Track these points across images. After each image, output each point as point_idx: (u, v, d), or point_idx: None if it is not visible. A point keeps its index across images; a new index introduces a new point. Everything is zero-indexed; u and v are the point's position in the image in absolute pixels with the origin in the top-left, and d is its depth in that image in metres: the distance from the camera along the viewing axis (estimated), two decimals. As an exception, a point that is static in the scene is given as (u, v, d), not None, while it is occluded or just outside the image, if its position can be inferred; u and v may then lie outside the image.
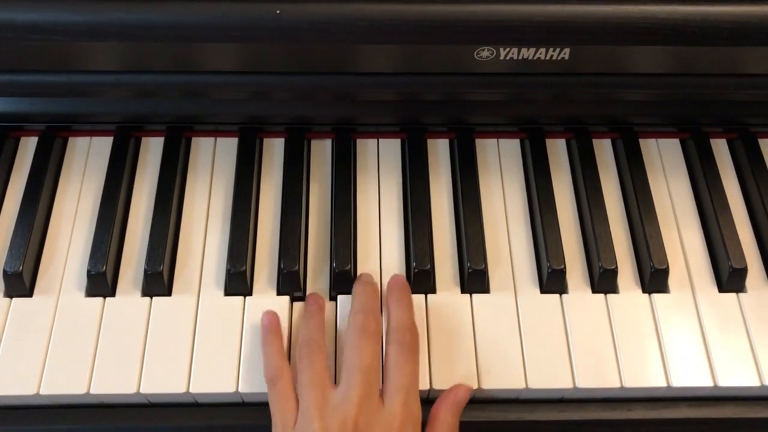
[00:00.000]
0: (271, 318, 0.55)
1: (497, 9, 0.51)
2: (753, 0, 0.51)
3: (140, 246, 0.60)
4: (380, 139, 0.66)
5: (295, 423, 0.50)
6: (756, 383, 0.55)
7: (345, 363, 0.52)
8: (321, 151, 0.66)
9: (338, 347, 0.55)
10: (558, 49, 0.54)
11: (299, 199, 0.61)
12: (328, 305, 0.57)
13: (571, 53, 0.54)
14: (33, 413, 0.55)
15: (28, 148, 0.65)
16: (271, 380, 0.53)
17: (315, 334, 0.54)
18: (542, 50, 0.54)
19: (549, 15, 0.51)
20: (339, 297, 0.57)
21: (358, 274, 0.58)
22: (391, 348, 0.52)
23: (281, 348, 0.54)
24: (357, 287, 0.56)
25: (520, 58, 0.54)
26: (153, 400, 0.55)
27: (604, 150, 0.66)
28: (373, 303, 0.55)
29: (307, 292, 0.58)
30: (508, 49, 0.54)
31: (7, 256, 0.57)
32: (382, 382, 0.52)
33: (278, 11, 0.50)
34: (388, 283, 0.57)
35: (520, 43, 0.53)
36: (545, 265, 0.58)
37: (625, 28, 0.51)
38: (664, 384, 0.54)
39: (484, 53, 0.54)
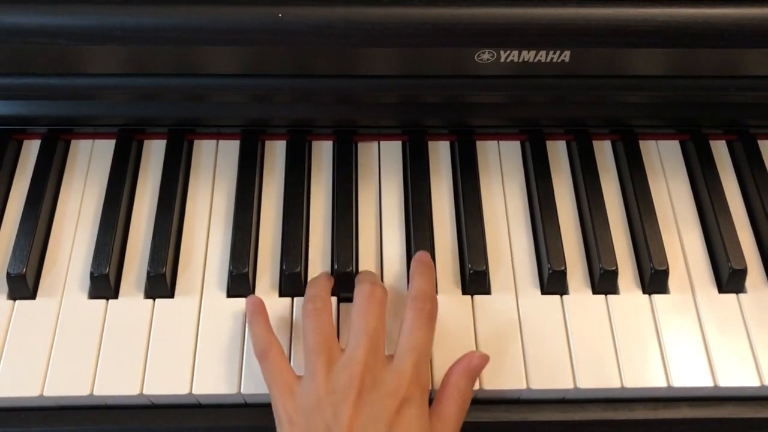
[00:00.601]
0: (254, 300, 0.56)
1: (497, 12, 0.51)
2: (753, 2, 0.51)
3: (143, 248, 0.60)
4: (381, 141, 0.66)
5: (296, 387, 0.50)
6: (756, 383, 0.55)
7: (352, 326, 0.52)
8: (322, 153, 0.66)
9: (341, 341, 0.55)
10: (558, 52, 0.54)
11: (301, 201, 0.61)
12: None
13: (571, 56, 0.55)
14: (36, 415, 0.55)
15: (31, 150, 0.65)
16: (261, 354, 0.53)
17: (322, 292, 0.55)
18: (542, 53, 0.54)
19: (549, 18, 0.51)
20: (341, 305, 0.58)
21: (361, 264, 0.60)
22: (410, 313, 0.53)
23: (267, 323, 0.54)
24: (360, 273, 0.57)
25: (520, 60, 0.55)
26: (156, 402, 0.55)
27: (604, 152, 0.66)
28: (376, 278, 0.56)
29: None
30: (508, 52, 0.54)
31: (11, 259, 0.57)
32: (396, 344, 0.52)
33: (280, 14, 0.50)
34: (413, 259, 0.57)
35: (521, 45, 0.53)
36: (546, 266, 0.58)
37: (624, 30, 0.51)
38: (664, 384, 0.55)
39: (485, 56, 0.54)
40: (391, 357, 0.51)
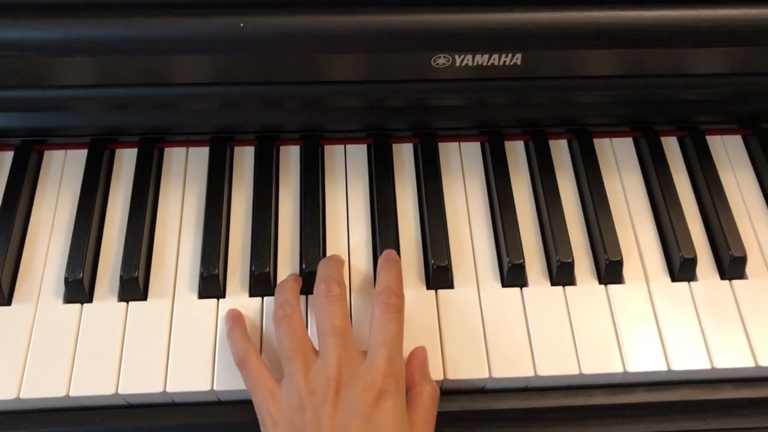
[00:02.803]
0: (232, 311, 0.58)
1: (449, 18, 0.53)
2: (689, 4, 0.54)
3: (116, 253, 0.62)
4: (347, 145, 0.69)
5: (277, 391, 0.52)
6: (707, 366, 0.57)
7: (318, 329, 0.54)
8: (290, 157, 0.68)
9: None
10: (510, 55, 0.57)
11: (269, 204, 0.63)
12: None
13: (523, 58, 0.57)
14: (14, 417, 0.56)
15: (4, 161, 0.66)
16: (241, 362, 0.55)
17: (289, 296, 0.56)
18: (495, 56, 0.56)
19: (498, 22, 0.53)
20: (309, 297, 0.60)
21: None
22: (377, 308, 0.55)
23: (245, 331, 0.56)
24: (321, 262, 0.59)
25: (474, 64, 0.57)
26: (132, 401, 0.57)
27: (560, 150, 0.69)
28: (335, 271, 0.57)
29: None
30: (462, 56, 0.56)
31: (-15, 267, 0.59)
32: (368, 340, 0.54)
33: (241, 24, 0.53)
34: (380, 256, 0.59)
35: (474, 49, 0.55)
36: (506, 260, 0.61)
37: (571, 33, 0.54)
38: (621, 370, 0.57)
39: (441, 60, 0.57)
40: (364, 353, 0.54)
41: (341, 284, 0.56)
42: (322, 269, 0.58)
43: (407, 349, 0.56)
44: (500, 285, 0.61)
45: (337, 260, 0.60)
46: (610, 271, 0.61)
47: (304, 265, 0.60)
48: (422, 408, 0.53)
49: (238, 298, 0.60)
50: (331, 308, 0.54)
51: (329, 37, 0.54)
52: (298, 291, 0.58)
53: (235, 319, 0.57)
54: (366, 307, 0.59)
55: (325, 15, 0.53)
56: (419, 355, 0.56)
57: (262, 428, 0.53)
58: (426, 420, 0.53)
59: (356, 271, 0.61)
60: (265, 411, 0.52)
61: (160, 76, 0.59)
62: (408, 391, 0.54)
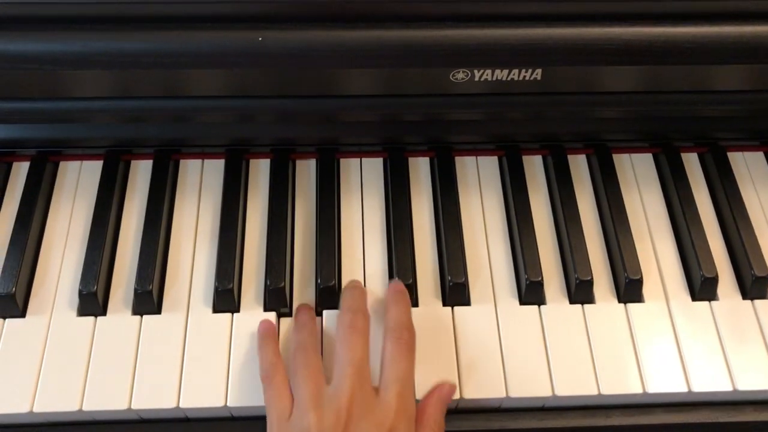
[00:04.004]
0: (266, 324, 0.57)
1: (469, 33, 0.53)
2: (711, 21, 0.53)
3: (130, 266, 0.61)
4: (363, 158, 0.68)
5: (291, 416, 0.52)
6: (729, 388, 0.56)
7: (336, 358, 0.54)
8: (306, 171, 0.68)
9: (326, 357, 0.57)
10: (530, 70, 0.56)
11: (284, 218, 0.63)
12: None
13: (543, 74, 0.57)
14: (26, 431, 0.56)
15: (20, 172, 0.67)
16: (266, 377, 0.54)
17: (308, 339, 0.56)
18: (515, 71, 0.56)
19: (519, 38, 0.53)
20: (324, 312, 0.59)
21: (344, 278, 0.61)
22: (388, 343, 0.54)
23: (276, 347, 0.56)
24: (345, 291, 0.58)
25: (494, 79, 0.57)
26: (144, 416, 0.56)
27: (579, 165, 0.68)
28: (361, 303, 0.57)
29: (294, 308, 0.60)
30: (482, 71, 0.56)
31: (0, 279, 0.59)
32: (379, 376, 0.53)
33: (260, 38, 0.52)
34: (388, 287, 0.59)
35: (493, 65, 0.55)
36: (523, 277, 0.60)
37: (591, 49, 0.53)
38: (640, 390, 0.56)
39: (460, 75, 0.56)
40: (377, 388, 0.53)
41: (366, 317, 0.56)
42: (348, 298, 0.57)
43: (423, 368, 0.56)
44: (518, 302, 0.60)
45: (362, 290, 0.59)
46: (629, 290, 0.60)
47: (319, 280, 0.60)
48: None
49: (252, 312, 0.59)
50: (354, 339, 0.54)
51: (348, 52, 0.54)
52: (316, 332, 0.58)
53: (269, 332, 0.57)
54: (377, 320, 0.58)
55: (343, 30, 0.53)
56: (443, 390, 0.55)
57: None
58: None
59: (370, 288, 0.61)
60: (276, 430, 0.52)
61: (176, 88, 0.59)
62: (416, 422, 0.53)
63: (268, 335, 0.57)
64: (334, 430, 0.49)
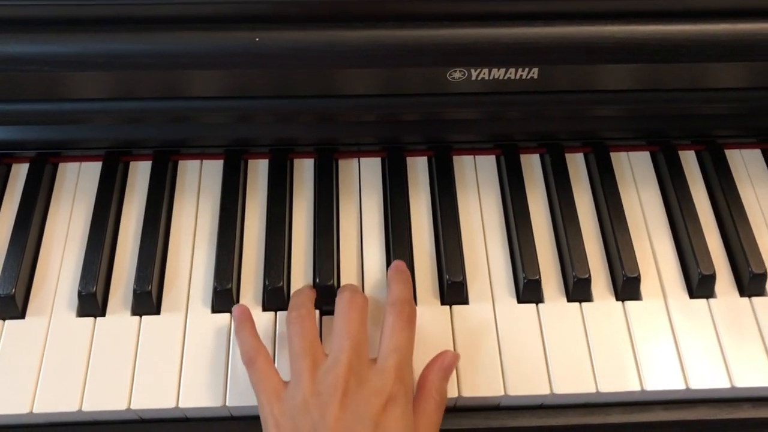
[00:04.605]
0: (241, 308, 0.57)
1: (465, 32, 0.53)
2: (706, 19, 0.54)
3: (129, 266, 0.62)
4: (361, 158, 0.68)
5: (283, 392, 0.51)
6: (727, 385, 0.57)
7: (334, 331, 0.54)
8: (304, 171, 0.68)
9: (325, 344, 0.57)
10: (527, 69, 0.56)
11: (283, 218, 0.63)
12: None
13: (539, 72, 0.57)
14: (26, 431, 0.56)
15: (19, 174, 0.67)
16: (249, 361, 0.54)
17: (305, 300, 0.56)
18: (512, 70, 0.56)
19: (515, 37, 0.53)
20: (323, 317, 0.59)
21: (342, 278, 0.61)
22: (389, 317, 0.54)
23: (254, 330, 0.56)
24: (342, 289, 0.58)
25: (491, 78, 0.57)
26: (144, 416, 0.56)
27: (577, 164, 0.68)
28: (358, 289, 0.57)
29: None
30: (479, 70, 0.56)
31: (0, 280, 0.59)
32: (378, 347, 0.53)
33: (257, 39, 0.52)
34: (390, 267, 0.59)
35: (490, 64, 0.55)
36: (521, 275, 0.60)
37: (587, 47, 0.53)
38: (638, 388, 0.56)
39: (457, 74, 0.56)
40: (374, 360, 0.53)
41: (365, 298, 0.56)
42: (347, 285, 0.58)
43: (420, 365, 0.56)
44: (516, 301, 0.60)
45: (354, 285, 0.59)
46: (627, 288, 0.60)
47: (317, 280, 0.60)
48: (426, 414, 0.52)
49: (252, 312, 0.59)
50: (352, 314, 0.54)
51: (344, 52, 0.54)
52: (313, 298, 0.58)
53: (244, 316, 0.57)
54: (376, 319, 0.58)
55: (340, 30, 0.53)
56: (445, 358, 0.55)
57: (264, 430, 0.51)
58: (429, 426, 0.52)
59: (369, 286, 0.61)
60: (268, 412, 0.51)
61: (175, 89, 0.59)
62: (417, 391, 0.53)
63: (243, 319, 0.57)
64: (331, 401, 0.49)
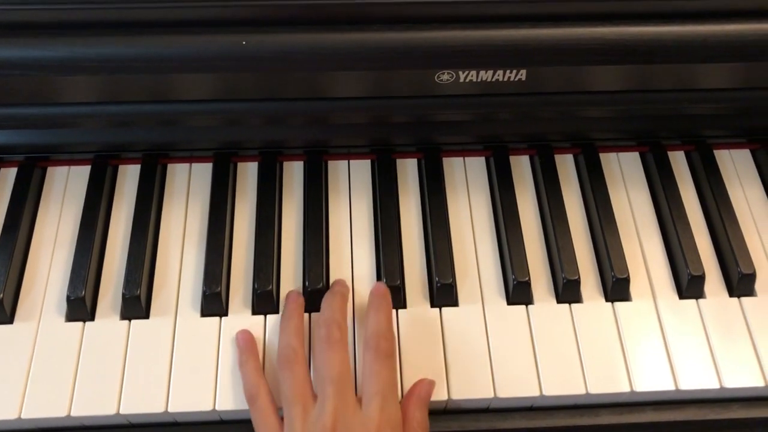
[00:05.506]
0: (245, 336, 0.57)
1: (453, 35, 0.53)
2: (695, 20, 0.54)
3: (118, 271, 0.61)
4: (351, 160, 0.68)
5: None
6: (716, 386, 0.57)
7: (316, 373, 0.54)
8: (293, 173, 0.68)
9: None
10: (515, 71, 0.56)
11: (272, 221, 0.63)
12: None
13: (527, 74, 0.57)
14: (15, 437, 0.56)
15: (7, 178, 0.67)
16: (250, 398, 0.54)
17: (293, 341, 0.56)
18: (500, 72, 0.56)
19: (502, 39, 0.53)
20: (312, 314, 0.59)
21: (332, 281, 0.61)
22: (367, 354, 0.54)
23: (257, 365, 0.56)
24: (324, 299, 0.58)
25: (479, 80, 0.57)
26: (133, 421, 0.56)
27: (566, 165, 0.68)
28: (338, 314, 0.56)
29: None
30: (467, 72, 0.56)
31: (-12, 285, 0.59)
32: (361, 387, 0.54)
33: (244, 42, 0.52)
34: (370, 292, 0.59)
35: (477, 66, 0.55)
36: (511, 277, 0.60)
37: (574, 49, 0.53)
38: (627, 389, 0.56)
39: (444, 77, 0.56)
40: (360, 399, 0.53)
41: (342, 328, 0.56)
42: (326, 309, 0.57)
43: (410, 369, 0.56)
44: (505, 303, 0.60)
45: (342, 296, 0.58)
46: (617, 289, 0.60)
47: (307, 283, 0.60)
48: None
49: (240, 316, 0.59)
50: (330, 355, 0.54)
51: (332, 54, 0.54)
52: (302, 327, 0.58)
53: (249, 349, 0.57)
54: (363, 318, 0.58)
55: (327, 33, 0.53)
56: (422, 388, 0.55)
57: None
58: None
59: (359, 289, 0.61)
60: None
61: (163, 93, 0.59)
62: (403, 425, 0.53)
63: (247, 349, 0.56)
64: None
